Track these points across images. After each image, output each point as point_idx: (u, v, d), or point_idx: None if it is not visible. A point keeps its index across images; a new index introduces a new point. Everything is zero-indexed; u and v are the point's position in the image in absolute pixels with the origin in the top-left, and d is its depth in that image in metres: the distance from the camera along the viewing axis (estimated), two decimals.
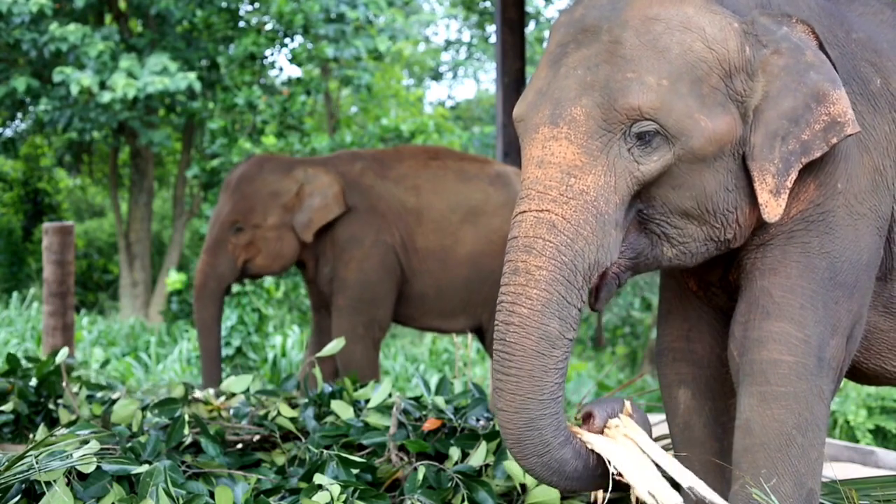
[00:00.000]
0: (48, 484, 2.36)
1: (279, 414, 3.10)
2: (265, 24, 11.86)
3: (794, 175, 2.14)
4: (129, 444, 2.74)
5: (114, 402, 3.34)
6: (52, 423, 3.42)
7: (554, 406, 2.05)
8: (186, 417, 2.89)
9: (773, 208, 2.14)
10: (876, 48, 2.35)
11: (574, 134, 2.07)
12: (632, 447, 2.13)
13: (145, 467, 2.49)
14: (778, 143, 2.13)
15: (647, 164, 2.08)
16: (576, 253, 2.04)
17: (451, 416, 2.98)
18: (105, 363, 4.93)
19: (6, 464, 2.40)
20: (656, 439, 3.11)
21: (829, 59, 2.19)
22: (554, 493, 2.62)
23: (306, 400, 3.26)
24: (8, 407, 3.43)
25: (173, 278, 10.23)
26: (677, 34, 2.08)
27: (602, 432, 2.14)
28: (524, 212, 2.08)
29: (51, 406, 3.51)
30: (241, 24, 11.95)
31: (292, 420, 3.09)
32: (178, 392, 3.33)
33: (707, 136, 2.08)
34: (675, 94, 2.06)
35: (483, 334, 5.09)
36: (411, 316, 5.08)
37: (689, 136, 2.07)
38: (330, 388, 3.28)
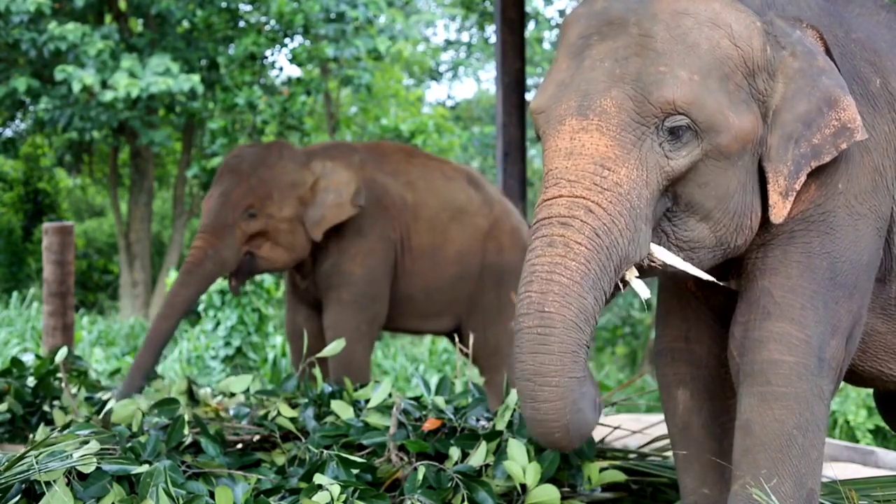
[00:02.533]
0: (48, 484, 2.36)
1: (279, 414, 3.10)
2: (265, 24, 11.86)
3: (803, 178, 2.15)
4: (129, 444, 2.73)
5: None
6: (49, 423, 3.41)
7: (589, 385, 2.02)
8: (186, 417, 2.88)
9: (779, 209, 2.14)
10: (875, 48, 2.35)
11: (606, 126, 2.03)
12: None
13: (145, 467, 2.49)
14: (791, 146, 2.14)
15: (677, 159, 2.06)
16: (612, 240, 2.01)
17: (451, 416, 2.98)
18: (115, 371, 4.82)
19: (6, 464, 2.40)
20: (655, 440, 3.11)
21: (836, 63, 2.20)
22: (554, 494, 2.62)
23: (306, 400, 3.26)
24: (3, 407, 3.42)
25: (173, 278, 10.22)
26: (706, 29, 2.08)
27: None
28: (557, 196, 2.02)
29: (45, 408, 3.51)
30: (241, 24, 11.95)
31: (292, 420, 3.09)
32: (179, 388, 3.32)
33: (734, 134, 2.08)
34: (707, 89, 2.05)
35: (461, 333, 4.97)
36: (389, 317, 4.88)
37: (718, 131, 2.07)
38: (330, 388, 3.28)
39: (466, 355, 4.39)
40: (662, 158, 2.06)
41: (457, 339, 3.69)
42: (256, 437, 3.10)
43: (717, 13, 2.10)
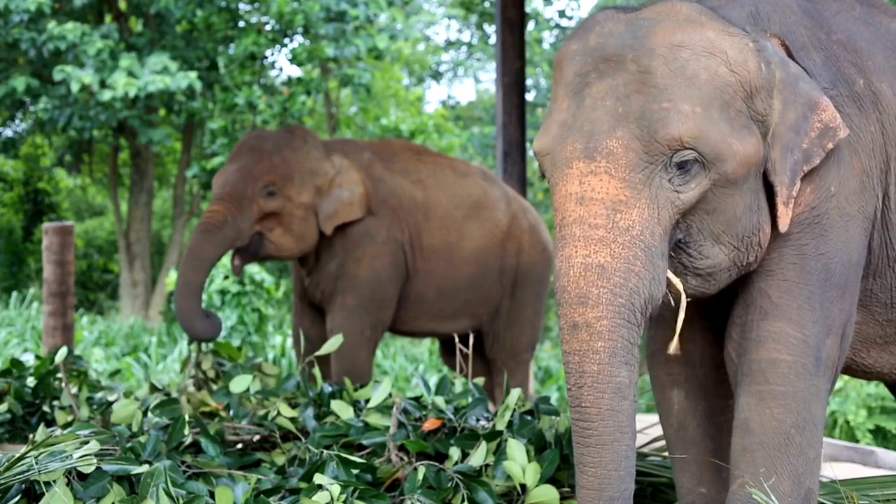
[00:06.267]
0: (48, 484, 2.36)
1: (279, 414, 3.10)
2: (265, 24, 11.87)
3: (798, 184, 2.18)
4: (129, 444, 2.74)
5: (111, 403, 3.34)
6: (49, 423, 3.41)
7: (629, 482, 2.05)
8: (186, 417, 2.89)
9: (784, 218, 2.17)
10: (856, 48, 2.38)
11: (614, 167, 2.04)
12: None
13: (145, 467, 2.49)
14: (788, 155, 2.17)
15: (686, 191, 2.08)
16: (631, 291, 2.03)
17: (451, 416, 2.98)
18: (115, 372, 4.77)
19: (6, 464, 2.41)
20: (655, 440, 3.12)
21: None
22: (554, 494, 2.62)
23: (306, 400, 3.26)
24: (3, 407, 3.42)
25: (173, 278, 10.21)
26: (703, 59, 2.09)
27: None
28: (570, 257, 2.04)
29: (45, 408, 3.51)
30: (241, 24, 11.96)
31: (292, 420, 3.09)
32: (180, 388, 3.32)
33: (739, 160, 2.10)
34: (710, 120, 2.07)
35: (483, 336, 4.93)
36: (402, 319, 4.81)
37: (724, 160, 2.08)
38: (330, 388, 3.28)
39: (466, 356, 4.37)
40: (672, 193, 2.07)
41: (456, 339, 3.66)
42: (256, 437, 3.10)
43: (711, 41, 2.11)
